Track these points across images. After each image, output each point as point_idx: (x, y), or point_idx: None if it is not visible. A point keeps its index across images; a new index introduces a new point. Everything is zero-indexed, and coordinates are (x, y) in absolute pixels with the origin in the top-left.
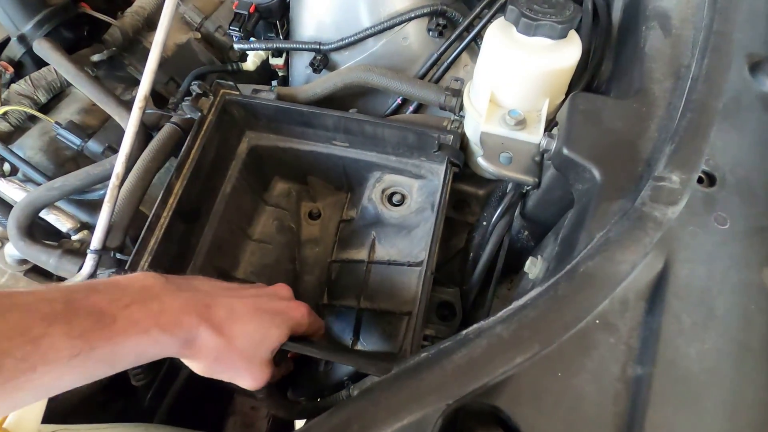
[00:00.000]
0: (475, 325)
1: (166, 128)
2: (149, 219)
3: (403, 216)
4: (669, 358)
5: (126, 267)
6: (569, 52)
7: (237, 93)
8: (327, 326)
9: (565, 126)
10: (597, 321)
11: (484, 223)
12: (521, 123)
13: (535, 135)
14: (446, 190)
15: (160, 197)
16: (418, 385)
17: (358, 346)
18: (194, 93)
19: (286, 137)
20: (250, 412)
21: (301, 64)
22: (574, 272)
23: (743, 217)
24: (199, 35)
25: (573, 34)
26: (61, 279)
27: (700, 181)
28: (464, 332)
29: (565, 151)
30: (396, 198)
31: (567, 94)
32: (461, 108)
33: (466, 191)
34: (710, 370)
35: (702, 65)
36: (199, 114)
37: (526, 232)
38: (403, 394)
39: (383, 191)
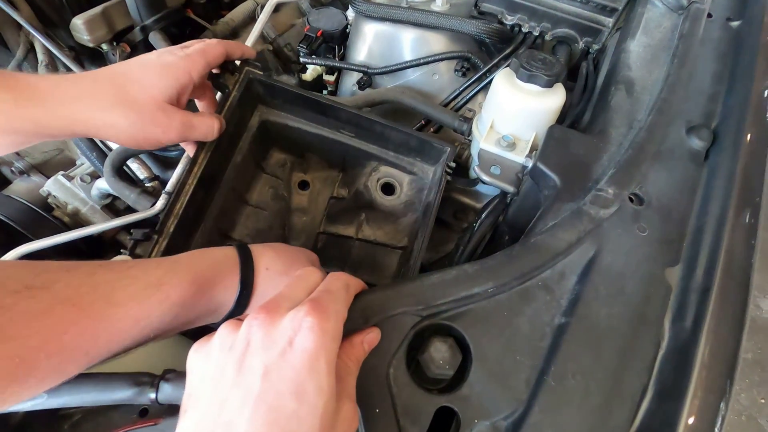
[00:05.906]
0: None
1: None
2: (176, 186)
3: (393, 205)
4: (584, 314)
5: (156, 228)
6: (554, 98)
7: (260, 72)
8: None
9: (541, 146)
10: (540, 283)
11: (474, 225)
12: (511, 146)
13: (520, 156)
14: (441, 187)
15: (187, 167)
16: (401, 290)
17: None
18: (222, 70)
19: (298, 118)
20: None
21: (349, 82)
22: (526, 241)
23: (658, 231)
24: (271, 47)
25: (559, 86)
26: (129, 210)
27: (632, 200)
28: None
29: (539, 164)
30: (388, 187)
31: None
32: (470, 133)
33: (466, 203)
34: (612, 327)
35: (647, 120)
36: (227, 89)
37: (507, 237)
38: (391, 293)
39: (378, 180)
